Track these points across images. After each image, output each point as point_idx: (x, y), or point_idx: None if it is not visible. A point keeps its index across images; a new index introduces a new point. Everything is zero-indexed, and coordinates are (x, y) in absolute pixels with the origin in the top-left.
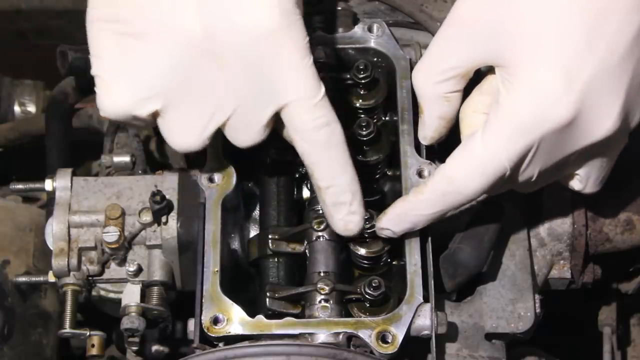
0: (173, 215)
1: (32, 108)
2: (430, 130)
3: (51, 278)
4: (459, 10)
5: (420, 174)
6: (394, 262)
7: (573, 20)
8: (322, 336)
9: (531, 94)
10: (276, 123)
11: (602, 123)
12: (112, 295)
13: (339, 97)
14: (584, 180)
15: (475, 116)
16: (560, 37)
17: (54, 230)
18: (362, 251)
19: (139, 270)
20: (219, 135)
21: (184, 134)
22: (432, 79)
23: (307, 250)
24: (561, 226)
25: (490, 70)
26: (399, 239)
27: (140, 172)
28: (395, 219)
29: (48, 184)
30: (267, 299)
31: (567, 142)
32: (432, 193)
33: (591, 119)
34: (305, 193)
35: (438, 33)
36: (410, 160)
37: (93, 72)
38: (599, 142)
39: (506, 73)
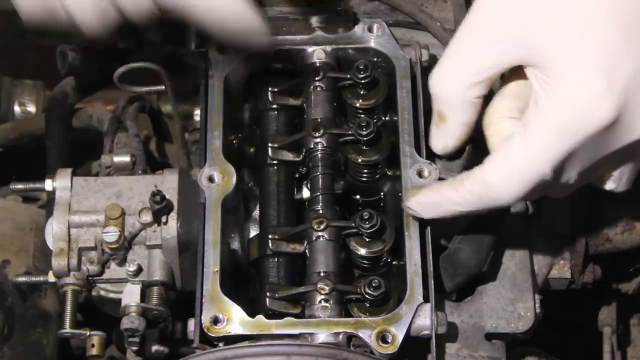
0: (173, 215)
1: (32, 108)
2: (453, 139)
3: (51, 278)
4: (483, 10)
5: (420, 174)
6: (394, 262)
7: (609, 20)
8: (322, 336)
9: (572, 97)
10: None
11: None
12: (112, 295)
13: (339, 97)
14: (617, 179)
15: (503, 121)
16: (597, 37)
17: (54, 230)
18: (362, 251)
19: (139, 270)
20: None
21: None
22: (461, 84)
23: (307, 250)
24: (561, 226)
25: (511, 74)
26: (399, 238)
27: (140, 172)
28: (424, 206)
29: (48, 184)
30: (267, 299)
31: (607, 142)
32: (468, 193)
33: (631, 119)
34: (305, 193)
35: (460, 35)
36: (410, 160)
37: None
38: (637, 141)
39: (542, 74)
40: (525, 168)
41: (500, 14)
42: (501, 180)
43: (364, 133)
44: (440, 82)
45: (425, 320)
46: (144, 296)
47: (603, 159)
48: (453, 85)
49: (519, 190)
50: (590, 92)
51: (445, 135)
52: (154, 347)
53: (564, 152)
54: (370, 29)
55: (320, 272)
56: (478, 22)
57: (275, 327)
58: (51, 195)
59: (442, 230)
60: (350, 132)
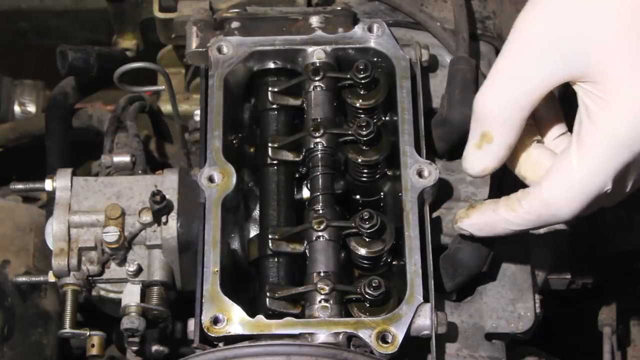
0: (173, 215)
1: (32, 108)
2: (495, 160)
3: (51, 278)
4: (529, 28)
5: (420, 174)
6: (394, 262)
7: None
8: (322, 336)
9: (629, 109)
10: None
11: None
12: (112, 295)
13: (339, 97)
14: None
15: (533, 152)
16: None
17: (54, 230)
18: (362, 251)
19: (139, 270)
20: (220, 134)
21: None
22: (512, 104)
23: (307, 250)
24: (561, 226)
25: None
26: (399, 238)
27: (140, 172)
28: (478, 226)
29: (48, 184)
30: (267, 299)
31: None
32: (527, 213)
33: None
34: (305, 193)
35: (507, 54)
36: (410, 160)
37: None
38: None
39: (594, 89)
40: (586, 182)
41: (548, 30)
42: (561, 196)
43: (364, 133)
44: (489, 102)
45: (425, 320)
46: (144, 296)
47: None
48: (503, 105)
49: (580, 205)
50: None
51: (488, 157)
52: (154, 347)
53: (623, 163)
54: (370, 29)
55: (320, 272)
56: (525, 40)
57: (275, 327)
58: (51, 195)
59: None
60: (350, 132)
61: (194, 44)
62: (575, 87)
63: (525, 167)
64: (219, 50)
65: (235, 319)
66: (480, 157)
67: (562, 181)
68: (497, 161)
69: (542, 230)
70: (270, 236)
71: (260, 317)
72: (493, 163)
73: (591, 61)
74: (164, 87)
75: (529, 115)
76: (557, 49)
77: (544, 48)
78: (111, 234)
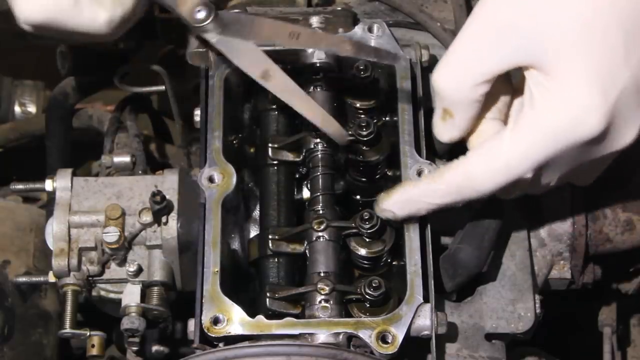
0: (173, 215)
1: (32, 108)
2: (460, 131)
3: (51, 278)
4: (491, 11)
5: (420, 174)
6: (394, 262)
7: (614, 33)
8: (322, 336)
9: (566, 103)
10: None
11: (625, 135)
12: (112, 295)
13: (339, 97)
14: (587, 178)
15: (484, 123)
16: (599, 47)
17: (54, 230)
18: (362, 251)
19: (139, 270)
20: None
21: None
22: (467, 84)
23: (307, 251)
24: (561, 226)
25: None
26: (399, 239)
27: (140, 172)
28: (400, 204)
29: (48, 184)
30: (267, 299)
31: (591, 150)
32: (447, 185)
33: (617, 131)
34: (305, 193)
35: (464, 36)
36: (410, 160)
37: None
38: (617, 151)
39: (541, 77)
40: (512, 162)
41: (504, 15)
42: (485, 171)
43: (364, 133)
44: (445, 82)
45: (425, 321)
46: (144, 296)
47: (584, 164)
48: (459, 85)
49: (500, 182)
50: (584, 102)
51: (452, 129)
52: (154, 347)
53: (551, 154)
54: (370, 29)
55: (320, 273)
56: (484, 23)
57: (276, 327)
58: (51, 195)
59: (443, 228)
60: (350, 132)
61: (194, 44)
62: (526, 73)
63: (473, 140)
64: None
65: (236, 319)
66: (445, 129)
67: (490, 157)
68: (461, 132)
69: (542, 230)
70: (270, 236)
71: (261, 318)
72: (457, 134)
73: (545, 51)
74: (164, 87)
75: (487, 91)
76: (510, 34)
77: (501, 32)
78: (111, 234)
